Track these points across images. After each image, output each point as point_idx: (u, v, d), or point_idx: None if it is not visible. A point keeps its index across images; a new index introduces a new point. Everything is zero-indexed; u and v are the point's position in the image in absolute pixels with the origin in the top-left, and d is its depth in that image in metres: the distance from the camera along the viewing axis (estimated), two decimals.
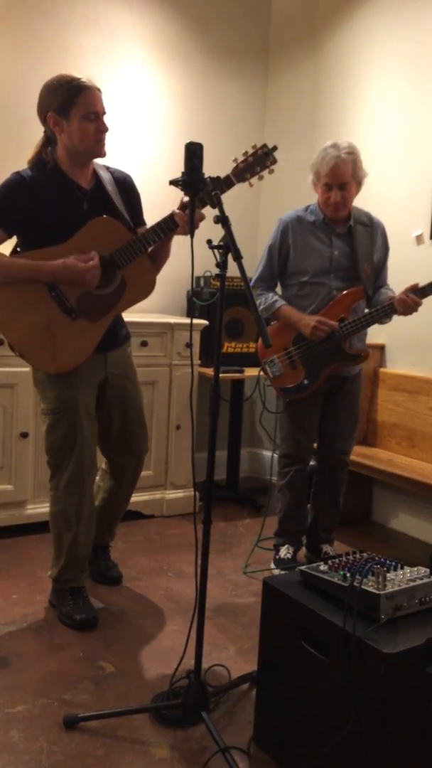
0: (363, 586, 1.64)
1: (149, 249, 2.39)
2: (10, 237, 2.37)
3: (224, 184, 2.23)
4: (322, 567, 1.83)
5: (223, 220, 1.87)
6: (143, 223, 2.56)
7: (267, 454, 4.37)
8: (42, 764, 1.78)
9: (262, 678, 1.92)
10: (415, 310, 2.71)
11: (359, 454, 3.44)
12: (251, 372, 3.71)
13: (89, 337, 2.40)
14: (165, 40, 3.97)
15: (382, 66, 3.70)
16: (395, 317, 2.80)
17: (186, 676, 1.97)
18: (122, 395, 2.59)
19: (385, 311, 2.73)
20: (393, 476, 3.24)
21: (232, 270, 1.89)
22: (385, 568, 1.71)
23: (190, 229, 1.97)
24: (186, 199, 2.14)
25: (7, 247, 2.39)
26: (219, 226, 1.89)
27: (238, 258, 1.85)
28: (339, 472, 3.08)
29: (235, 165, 2.27)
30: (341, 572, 1.74)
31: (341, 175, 2.75)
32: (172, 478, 3.66)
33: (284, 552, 3.06)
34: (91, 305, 2.38)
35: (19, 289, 2.33)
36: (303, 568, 1.85)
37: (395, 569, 1.76)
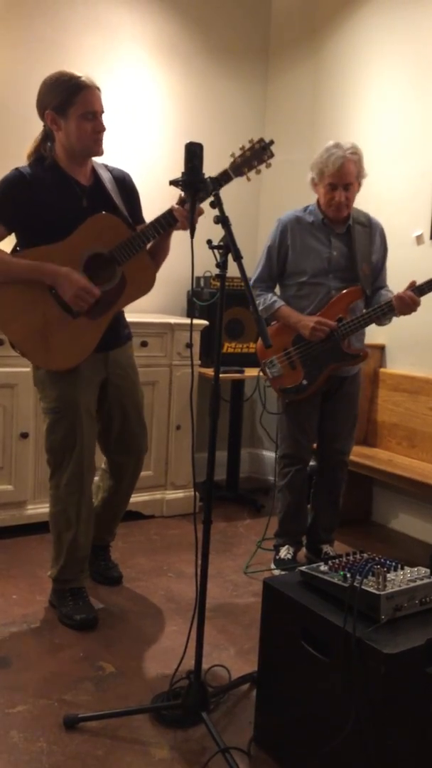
0: (363, 587, 1.63)
1: (149, 245, 2.39)
2: (9, 233, 2.37)
3: (222, 178, 2.24)
4: (323, 567, 1.83)
5: (223, 220, 1.87)
6: (142, 221, 2.56)
7: (267, 454, 4.38)
8: (42, 764, 1.78)
9: (263, 678, 1.92)
10: (414, 310, 2.70)
11: (359, 454, 3.44)
12: (251, 372, 3.71)
13: (90, 334, 2.40)
14: (165, 41, 3.97)
15: (382, 66, 3.70)
16: (394, 319, 2.80)
17: (186, 677, 1.97)
18: (123, 395, 2.59)
19: (382, 310, 2.73)
20: (393, 476, 3.24)
21: (232, 270, 1.89)
22: (385, 569, 1.71)
23: (191, 230, 1.96)
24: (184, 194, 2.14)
25: (6, 246, 2.39)
26: (219, 226, 1.89)
27: (238, 258, 1.85)
28: (339, 473, 3.08)
29: (232, 160, 2.27)
30: (341, 573, 1.73)
31: (347, 175, 2.74)
32: (172, 479, 3.66)
33: (284, 552, 3.06)
34: (92, 302, 2.38)
35: (19, 288, 2.33)
36: (303, 568, 1.85)
37: (395, 570, 1.76)
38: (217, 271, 1.91)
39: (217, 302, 1.93)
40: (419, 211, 3.48)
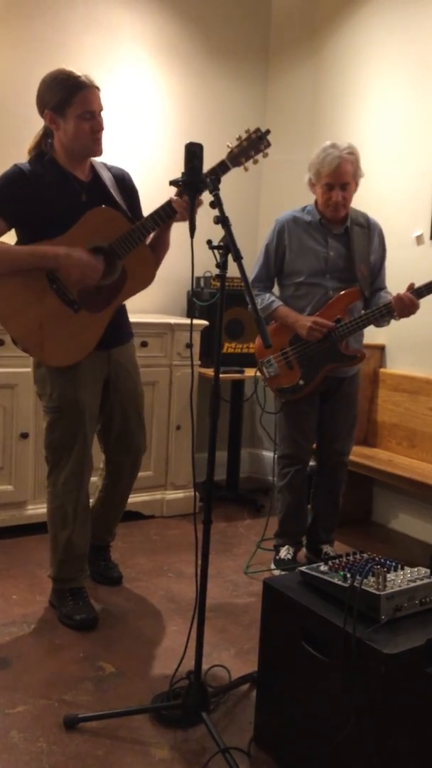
0: (363, 587, 1.63)
1: (149, 237, 2.39)
2: (9, 229, 2.36)
3: (219, 168, 2.25)
4: (323, 567, 1.82)
5: (223, 220, 1.87)
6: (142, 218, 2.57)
7: (267, 454, 4.37)
8: (42, 765, 1.78)
9: (263, 678, 1.92)
10: (413, 312, 2.69)
11: (359, 454, 3.44)
12: (251, 372, 3.70)
13: (92, 328, 2.40)
14: (165, 41, 3.97)
15: (382, 66, 3.70)
16: (392, 321, 2.80)
17: (186, 677, 1.97)
18: (124, 395, 2.59)
19: (381, 312, 2.72)
20: (393, 476, 3.24)
21: (232, 270, 1.89)
22: (385, 569, 1.71)
23: (191, 230, 1.96)
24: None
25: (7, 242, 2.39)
26: (219, 227, 1.89)
27: (238, 258, 1.85)
28: (338, 473, 3.08)
29: (229, 150, 2.28)
30: (341, 573, 1.73)
31: (344, 175, 2.75)
32: (172, 479, 3.66)
33: (284, 552, 3.06)
34: (93, 296, 2.38)
35: (20, 283, 2.33)
36: (303, 568, 1.85)
37: (395, 570, 1.76)
38: (217, 271, 1.91)
39: (217, 302, 1.93)
40: (419, 212, 3.48)
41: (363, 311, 2.83)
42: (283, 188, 4.11)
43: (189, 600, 2.63)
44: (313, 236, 2.88)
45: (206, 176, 1.98)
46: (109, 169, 2.54)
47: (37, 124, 2.41)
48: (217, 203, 1.90)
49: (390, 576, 1.70)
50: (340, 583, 1.70)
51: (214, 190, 1.92)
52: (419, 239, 3.48)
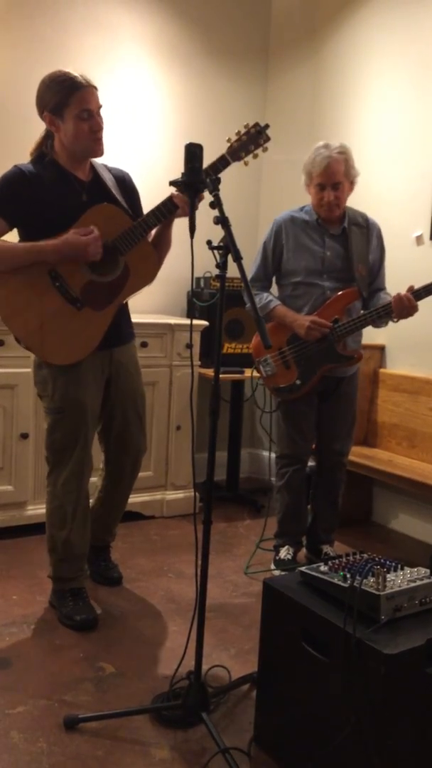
0: (363, 587, 1.63)
1: (151, 234, 2.39)
2: (11, 229, 2.36)
3: (219, 164, 2.25)
4: (323, 568, 1.82)
5: (223, 220, 1.87)
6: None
7: (267, 454, 4.37)
8: (42, 765, 1.78)
9: (263, 679, 1.92)
10: (411, 314, 2.68)
11: (359, 454, 3.44)
12: (251, 373, 3.70)
13: (95, 326, 2.40)
14: (165, 41, 3.97)
15: (382, 66, 3.70)
16: (390, 323, 2.80)
17: (186, 677, 1.97)
18: (125, 395, 2.59)
19: (379, 313, 2.72)
20: (393, 477, 3.24)
21: (232, 271, 1.90)
22: (385, 569, 1.71)
23: (191, 230, 1.95)
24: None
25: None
26: (219, 227, 1.89)
27: (238, 259, 1.85)
28: (337, 473, 3.08)
29: (229, 144, 2.28)
30: (341, 573, 1.74)
31: (334, 175, 2.75)
32: (172, 479, 3.66)
33: (284, 553, 3.06)
34: (96, 293, 2.38)
35: (22, 281, 2.33)
36: (303, 568, 1.85)
37: (395, 570, 1.76)
38: (217, 271, 1.91)
39: (217, 303, 1.93)
40: (419, 212, 3.48)
41: (362, 311, 2.83)
42: (283, 188, 4.11)
43: (189, 600, 2.63)
44: (311, 236, 2.88)
45: (207, 172, 1.98)
46: (110, 170, 2.55)
47: (36, 124, 2.41)
48: (216, 203, 1.90)
49: (390, 576, 1.70)
50: (340, 583, 1.70)
51: (214, 190, 1.92)
52: (419, 239, 3.48)
